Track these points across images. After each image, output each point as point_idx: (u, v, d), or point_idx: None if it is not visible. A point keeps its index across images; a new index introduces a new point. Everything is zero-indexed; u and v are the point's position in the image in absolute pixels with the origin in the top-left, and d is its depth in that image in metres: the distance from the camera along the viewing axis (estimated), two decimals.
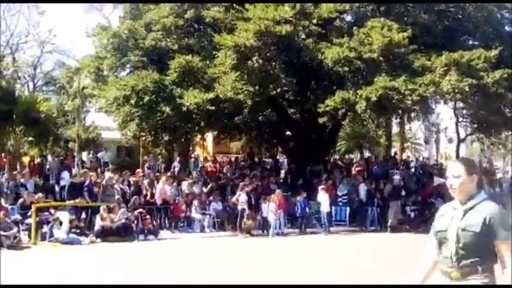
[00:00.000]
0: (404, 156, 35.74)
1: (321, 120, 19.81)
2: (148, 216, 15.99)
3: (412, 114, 24.48)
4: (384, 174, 22.68)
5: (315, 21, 19.67)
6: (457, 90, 18.90)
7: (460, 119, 29.59)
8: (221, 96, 19.70)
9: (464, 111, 27.66)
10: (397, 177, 21.76)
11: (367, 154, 36.91)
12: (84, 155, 29.81)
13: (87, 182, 16.49)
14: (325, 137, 23.69)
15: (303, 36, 19.84)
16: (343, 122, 22.51)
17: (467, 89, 18.61)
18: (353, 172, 23.32)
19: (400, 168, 24.64)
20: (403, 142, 41.89)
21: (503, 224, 3.24)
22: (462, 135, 32.15)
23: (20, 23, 38.59)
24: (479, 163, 29.00)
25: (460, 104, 26.14)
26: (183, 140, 24.34)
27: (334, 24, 21.80)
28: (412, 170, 26.13)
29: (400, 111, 22.26)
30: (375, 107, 18.94)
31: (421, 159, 38.40)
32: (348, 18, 23.78)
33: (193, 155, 29.79)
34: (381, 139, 38.45)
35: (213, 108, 19.60)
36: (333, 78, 20.06)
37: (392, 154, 32.52)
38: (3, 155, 23.26)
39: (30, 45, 39.73)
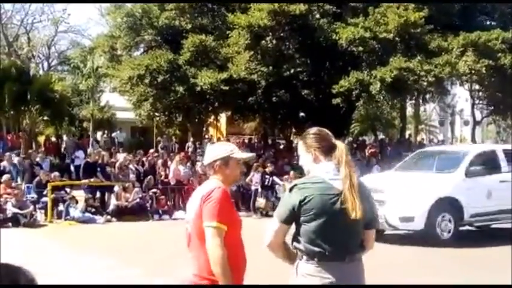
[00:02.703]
0: (418, 139, 35.49)
1: (335, 101, 19.70)
2: (162, 196, 16.10)
3: (427, 96, 24.25)
4: (398, 156, 22.55)
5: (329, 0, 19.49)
6: (473, 72, 18.70)
7: (476, 101, 29.24)
8: (235, 76, 19.66)
9: (480, 93, 27.33)
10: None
11: (381, 136, 36.70)
12: (99, 135, 30.02)
13: (101, 161, 16.63)
14: (339, 119, 23.60)
15: (318, 15, 19.67)
16: (357, 103, 22.34)
17: (483, 70, 18.40)
18: (367, 154, 23.24)
19: (413, 151, 24.46)
20: (418, 124, 41.59)
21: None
22: (478, 118, 31.77)
23: (35, 2, 38.32)
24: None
25: (476, 86, 25.86)
26: (196, 120, 24.36)
27: (349, 4, 21.54)
28: None
29: (415, 93, 22.09)
30: (390, 88, 18.81)
31: (435, 141, 38.14)
32: None
33: (206, 136, 29.84)
34: (395, 121, 38.21)
35: (226, 88, 19.58)
36: (348, 59, 19.91)
37: (407, 136, 32.33)
38: (20, 134, 23.47)
39: (44, 24, 39.83)
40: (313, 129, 3.13)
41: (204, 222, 3.01)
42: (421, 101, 28.00)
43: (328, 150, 3.00)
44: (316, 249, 2.87)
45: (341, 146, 3.01)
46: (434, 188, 11.13)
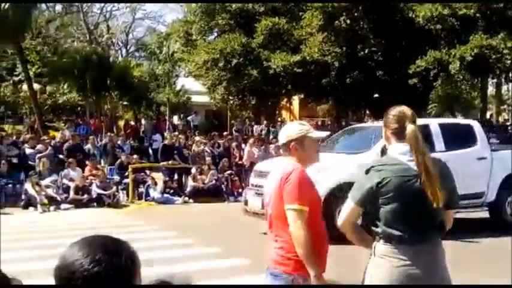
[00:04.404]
0: (501, 120, 33.94)
1: (411, 81, 19.20)
2: (237, 178, 16.38)
3: (511, 74, 23.10)
4: None
5: None
6: None
7: None
8: (308, 58, 19.56)
9: None
10: (494, 141, 20.76)
11: (460, 117, 35.36)
12: (175, 119, 30.80)
13: (178, 144, 17.13)
14: (416, 99, 22.95)
15: None
16: (434, 83, 21.64)
17: None
18: None
19: (496, 132, 23.48)
20: (500, 104, 39.71)
21: None
22: None
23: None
24: None
25: None
26: (269, 103, 24.50)
27: None
28: (510, 133, 24.83)
29: (497, 71, 21.10)
30: (470, 67, 18.11)
31: None
32: None
33: (279, 119, 29.93)
34: (475, 101, 36.67)
35: (299, 70, 19.53)
36: (425, 38, 19.29)
37: (488, 117, 30.99)
38: (101, 118, 24.51)
39: (122, 12, 41.24)
40: (393, 109, 3.06)
41: (285, 204, 3.01)
42: (503, 80, 26.72)
43: (401, 132, 2.92)
44: (395, 232, 2.82)
45: (411, 130, 2.91)
46: (337, 171, 8.99)
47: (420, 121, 10.58)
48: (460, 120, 12.02)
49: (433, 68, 18.48)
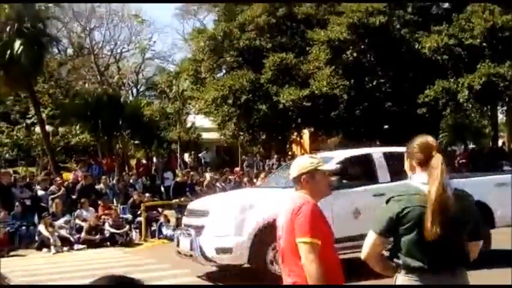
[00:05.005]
0: None
1: (420, 111, 19.26)
2: None
3: None
4: (491, 165, 21.55)
5: (410, 9, 19.16)
6: None
7: None
8: (316, 92, 19.71)
9: None
10: (507, 168, 20.61)
11: (471, 146, 35.17)
12: (186, 156, 30.95)
13: (190, 181, 17.18)
14: (425, 129, 22.92)
15: (398, 26, 19.39)
16: (443, 113, 21.65)
17: None
18: (456, 165, 22.40)
19: (509, 159, 23.31)
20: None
21: None
22: None
23: (123, 33, 40.53)
24: None
25: None
26: (279, 137, 24.58)
27: (431, 12, 21.05)
28: None
29: (506, 99, 21.10)
30: (479, 95, 18.14)
31: None
32: (446, 5, 22.87)
33: (290, 153, 29.96)
34: (486, 129, 36.50)
35: (308, 104, 19.66)
36: (432, 68, 19.41)
37: (500, 145, 30.80)
38: (113, 157, 24.68)
39: (132, 52, 41.87)
40: (418, 139, 3.06)
41: (296, 237, 3.01)
42: None
43: (426, 161, 2.92)
44: (415, 262, 2.81)
45: (436, 160, 2.90)
46: (266, 208, 8.09)
47: (362, 150, 9.71)
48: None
49: (442, 97, 18.55)
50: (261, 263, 7.97)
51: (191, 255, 8.51)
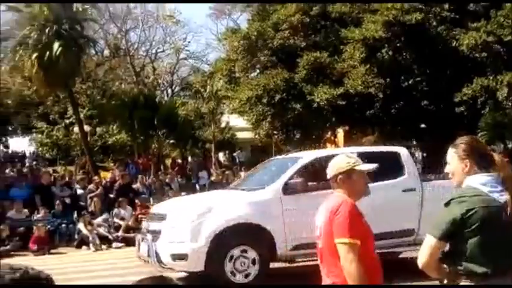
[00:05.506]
0: None
1: (458, 110, 18.90)
2: None
3: None
4: None
5: (447, 6, 18.83)
6: None
7: None
8: (351, 90, 19.55)
9: None
10: None
11: (510, 145, 34.34)
12: (221, 155, 31.17)
13: (226, 180, 17.30)
14: (463, 128, 22.49)
15: (435, 23, 19.06)
16: (482, 111, 21.19)
17: None
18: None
19: None
20: None
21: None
22: None
23: (158, 33, 41.01)
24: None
25: None
26: (314, 136, 24.49)
27: (468, 9, 20.62)
28: None
29: None
30: None
31: None
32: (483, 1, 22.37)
33: None
34: None
35: (343, 103, 19.52)
36: (470, 65, 19.03)
37: None
38: (149, 157, 25.05)
39: (167, 53, 42.33)
40: (468, 138, 3.00)
41: (335, 238, 2.99)
42: None
43: (482, 161, 2.84)
44: (478, 268, 2.71)
45: (500, 159, 2.85)
46: (226, 212, 7.97)
47: (334, 151, 9.84)
48: (385, 147, 10.65)
49: (480, 95, 18.17)
50: (219, 271, 7.68)
51: (147, 261, 8.27)
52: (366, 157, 8.14)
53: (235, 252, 7.73)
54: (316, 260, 7.55)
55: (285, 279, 8.35)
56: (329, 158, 8.42)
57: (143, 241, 8.47)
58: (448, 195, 2.86)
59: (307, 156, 9.00)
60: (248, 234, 7.93)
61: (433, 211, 8.18)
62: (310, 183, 8.19)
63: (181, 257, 7.74)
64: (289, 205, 7.95)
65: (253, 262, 7.76)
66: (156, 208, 9.47)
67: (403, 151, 8.96)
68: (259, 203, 8.04)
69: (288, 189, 8.04)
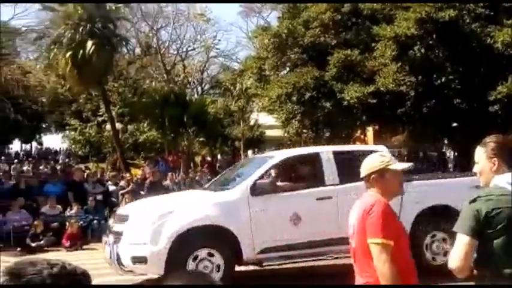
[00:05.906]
0: None
1: (492, 108, 18.52)
2: None
3: None
4: None
5: (481, 3, 18.47)
6: None
7: None
8: (382, 88, 19.35)
9: None
10: None
11: None
12: (250, 153, 31.21)
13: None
14: (497, 127, 22.03)
15: (468, 20, 18.72)
16: None
17: None
18: None
19: None
20: None
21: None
22: None
23: (188, 32, 41.31)
24: None
25: None
26: (343, 135, 24.33)
27: (503, 5, 20.19)
28: None
29: None
30: None
31: None
32: None
33: None
34: None
35: (374, 101, 19.34)
36: (505, 63, 18.62)
37: None
38: (179, 154, 25.26)
39: (197, 51, 42.62)
40: (497, 136, 2.94)
41: (368, 238, 2.97)
42: None
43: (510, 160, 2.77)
44: (505, 269, 2.63)
45: None
46: (189, 213, 7.69)
47: (310, 149, 9.03)
48: (362, 146, 10.18)
49: None
50: (179, 264, 7.25)
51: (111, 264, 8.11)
52: (338, 157, 7.96)
53: (198, 255, 7.47)
54: (286, 262, 7.51)
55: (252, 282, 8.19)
56: (301, 157, 8.47)
57: (106, 243, 8.32)
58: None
59: (278, 155, 8.77)
60: (212, 236, 7.66)
61: (413, 213, 7.87)
62: (280, 184, 7.97)
63: (141, 260, 7.50)
64: (257, 206, 7.68)
65: (218, 266, 7.50)
66: (120, 209, 9.42)
67: (382, 149, 7.97)
68: (225, 204, 7.78)
69: (256, 189, 7.73)
